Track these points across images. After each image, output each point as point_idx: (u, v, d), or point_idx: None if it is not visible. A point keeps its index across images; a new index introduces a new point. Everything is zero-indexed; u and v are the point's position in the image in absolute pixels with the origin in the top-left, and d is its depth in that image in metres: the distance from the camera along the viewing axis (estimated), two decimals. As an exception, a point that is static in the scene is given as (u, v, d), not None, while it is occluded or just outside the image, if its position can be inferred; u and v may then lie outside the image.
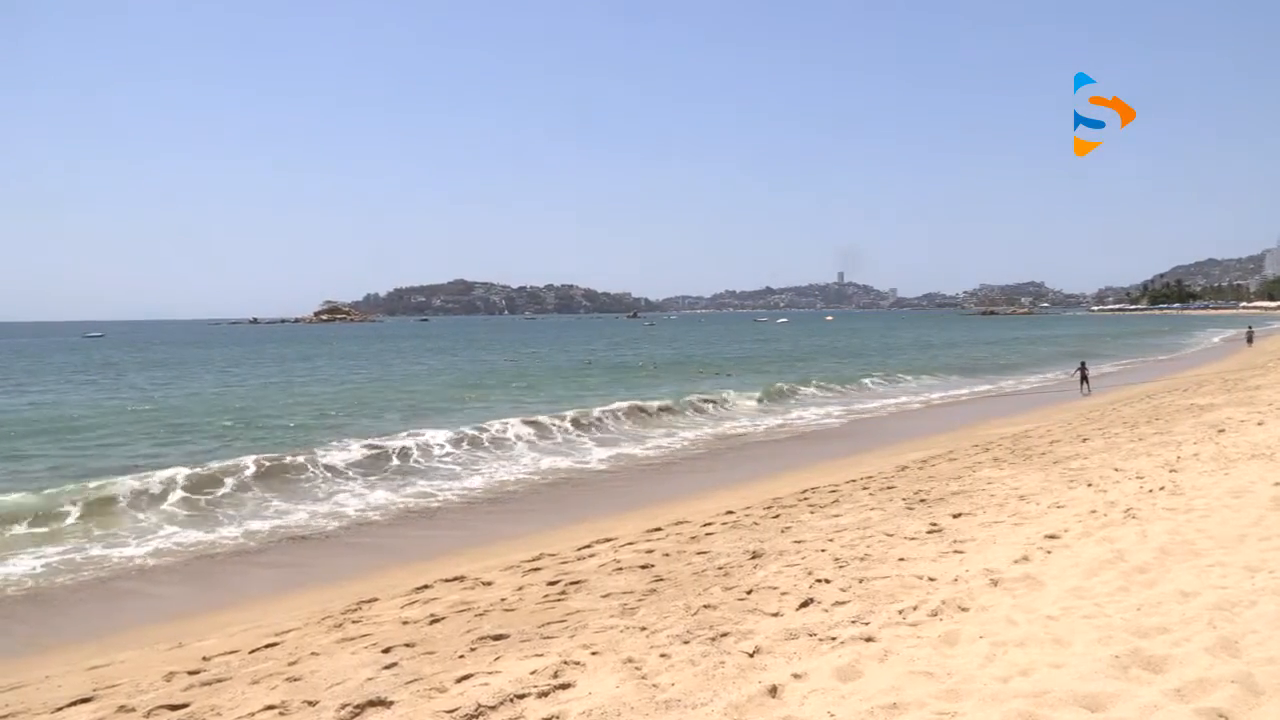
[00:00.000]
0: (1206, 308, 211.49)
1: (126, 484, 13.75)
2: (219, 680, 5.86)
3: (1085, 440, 14.26)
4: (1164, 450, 11.71)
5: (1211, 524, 6.89)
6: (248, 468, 15.19)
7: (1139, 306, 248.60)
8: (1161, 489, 8.70)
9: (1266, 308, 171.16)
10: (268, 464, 15.54)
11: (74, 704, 5.71)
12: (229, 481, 14.48)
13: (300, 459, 16.10)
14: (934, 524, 8.30)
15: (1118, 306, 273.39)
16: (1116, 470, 10.48)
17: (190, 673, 6.12)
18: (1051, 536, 7.11)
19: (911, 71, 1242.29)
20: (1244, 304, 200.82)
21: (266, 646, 6.67)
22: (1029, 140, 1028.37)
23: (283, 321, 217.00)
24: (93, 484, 13.79)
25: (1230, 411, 15.68)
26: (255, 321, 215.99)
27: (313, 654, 6.26)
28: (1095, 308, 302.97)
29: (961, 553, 6.98)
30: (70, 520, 12.21)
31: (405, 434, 19.04)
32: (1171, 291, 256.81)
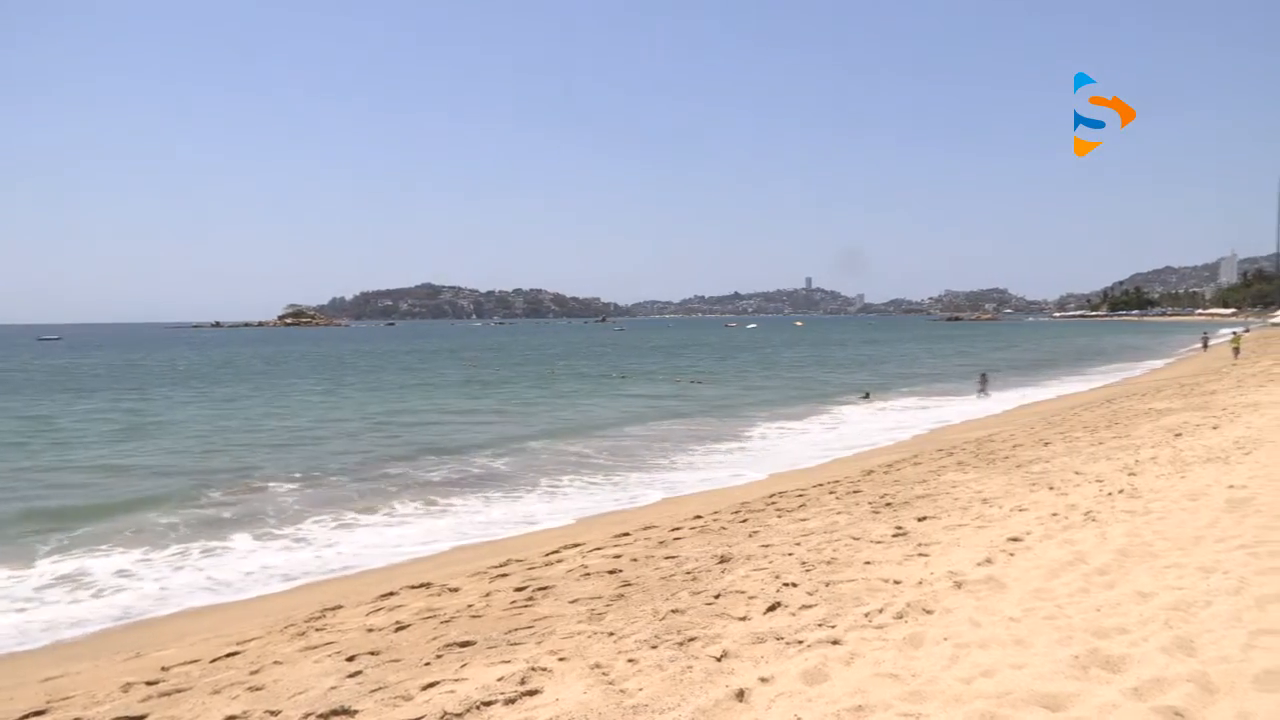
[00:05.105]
0: (1164, 314, 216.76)
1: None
2: (178, 690, 5.74)
3: (1047, 444, 14.49)
4: (1123, 454, 11.94)
5: (1168, 526, 7.04)
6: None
7: (1099, 313, 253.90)
8: (1120, 492, 8.86)
9: (1221, 314, 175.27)
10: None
11: (26, 717, 5.57)
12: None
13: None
14: (899, 527, 8.38)
15: (1079, 313, 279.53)
16: (1077, 473, 10.66)
17: (148, 683, 5.99)
18: (1014, 539, 7.21)
19: (885, 81, 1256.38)
20: (1199, 310, 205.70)
21: (228, 655, 6.56)
22: (995, 148, 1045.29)
23: (246, 325, 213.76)
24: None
25: (1187, 416, 16.03)
26: (218, 325, 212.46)
27: (275, 663, 6.16)
28: (1057, 314, 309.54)
29: (926, 555, 7.06)
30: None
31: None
32: (1131, 298, 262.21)
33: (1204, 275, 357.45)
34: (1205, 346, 52.32)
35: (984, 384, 29.60)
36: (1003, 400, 28.21)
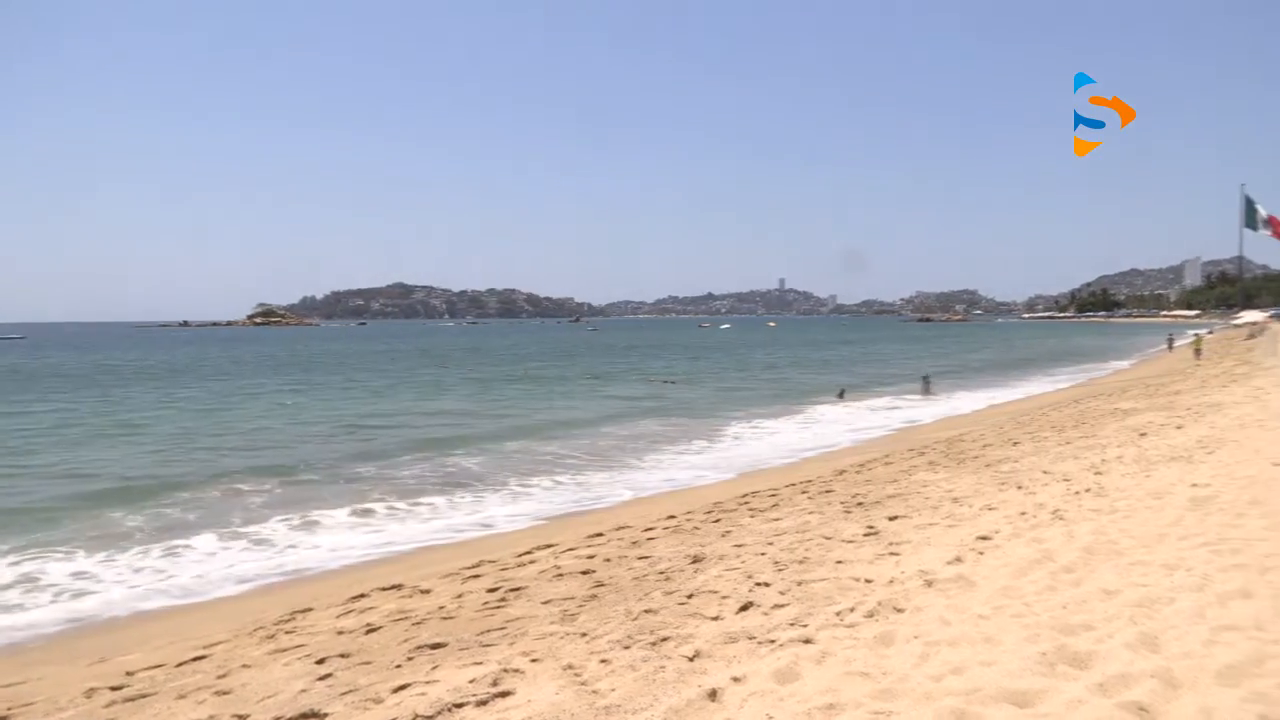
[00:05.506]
0: (1130, 315, 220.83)
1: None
2: (143, 695, 5.65)
3: (1016, 444, 14.67)
4: (1089, 453, 12.12)
5: (1133, 524, 7.16)
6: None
7: (1067, 314, 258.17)
8: (1087, 490, 9.00)
9: (1185, 316, 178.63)
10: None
11: (-14, 724, 5.46)
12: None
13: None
14: (871, 527, 8.44)
15: (1047, 314, 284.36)
16: (1045, 473, 10.81)
17: (113, 688, 5.89)
18: (983, 538, 7.29)
19: (860, 86, 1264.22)
20: (1164, 312, 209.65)
21: (194, 659, 6.46)
22: (965, 152, 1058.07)
23: (215, 325, 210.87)
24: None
25: (1151, 416, 16.31)
26: (186, 325, 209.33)
27: (244, 666, 6.08)
28: (1026, 315, 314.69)
29: (897, 554, 7.11)
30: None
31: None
32: (1098, 300, 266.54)
33: (1169, 277, 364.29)
34: (1171, 348, 53.24)
35: (927, 385, 31.90)
36: (973, 400, 28.56)
